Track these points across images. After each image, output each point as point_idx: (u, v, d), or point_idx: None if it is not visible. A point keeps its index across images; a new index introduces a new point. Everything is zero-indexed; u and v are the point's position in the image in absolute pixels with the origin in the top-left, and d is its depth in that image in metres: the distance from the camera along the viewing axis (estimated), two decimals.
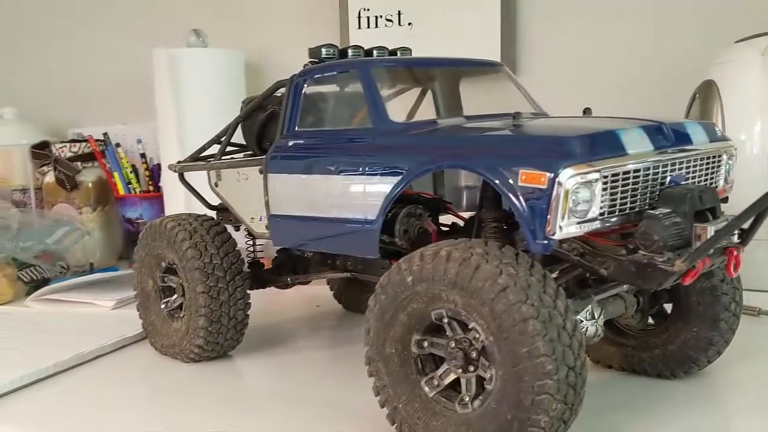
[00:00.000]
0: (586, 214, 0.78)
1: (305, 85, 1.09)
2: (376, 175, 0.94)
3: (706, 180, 0.94)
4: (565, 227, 0.78)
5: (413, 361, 0.86)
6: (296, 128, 1.09)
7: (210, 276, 1.17)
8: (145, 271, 1.29)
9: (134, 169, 2.13)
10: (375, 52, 1.15)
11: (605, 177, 0.79)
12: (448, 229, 1.13)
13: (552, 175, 0.76)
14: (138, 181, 2.13)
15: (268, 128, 1.22)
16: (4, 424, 1.01)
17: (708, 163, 0.94)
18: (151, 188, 2.13)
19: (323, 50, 1.14)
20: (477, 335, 0.79)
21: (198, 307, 1.17)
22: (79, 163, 2.18)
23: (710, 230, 0.81)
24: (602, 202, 0.79)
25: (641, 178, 0.83)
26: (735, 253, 0.88)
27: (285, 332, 1.42)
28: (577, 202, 0.77)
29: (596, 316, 0.90)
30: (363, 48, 1.16)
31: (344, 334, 1.42)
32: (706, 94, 1.55)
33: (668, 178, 0.86)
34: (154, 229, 1.25)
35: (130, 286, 1.62)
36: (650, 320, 1.09)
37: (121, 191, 2.13)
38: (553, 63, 1.88)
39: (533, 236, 0.79)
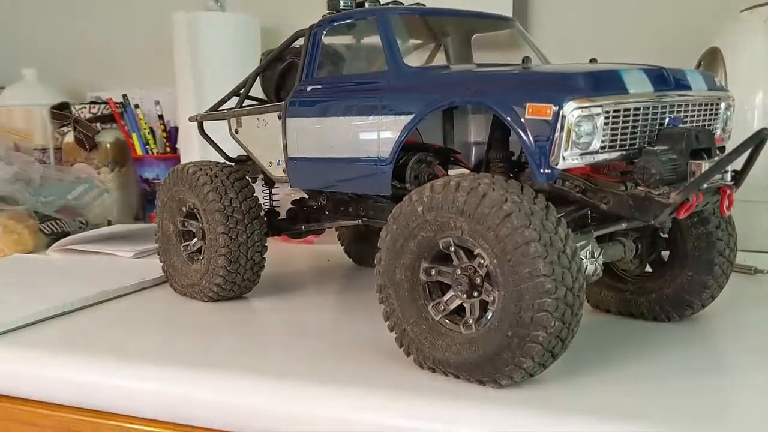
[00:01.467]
0: (588, 146, 0.84)
1: (324, 34, 1.14)
2: (390, 114, 0.99)
3: (703, 125, 0.98)
4: (569, 158, 0.83)
5: (421, 288, 0.91)
6: (314, 75, 1.14)
7: (230, 218, 1.23)
8: (166, 216, 1.35)
9: (152, 131, 2.19)
10: (390, 5, 1.20)
11: (607, 112, 0.84)
12: None
13: (556, 107, 0.81)
14: (155, 143, 2.19)
15: (287, 78, 1.27)
16: (33, 350, 1.08)
17: (706, 110, 0.98)
18: (168, 149, 2.19)
19: (341, 1, 1.19)
20: (482, 261, 0.84)
21: (218, 247, 1.23)
22: (98, 124, 2.25)
23: (704, 166, 0.86)
24: (603, 135, 0.84)
25: (641, 116, 0.88)
26: (728, 192, 0.93)
27: (297, 281, 1.47)
28: (580, 134, 0.82)
29: (596, 255, 0.95)
30: (379, 2, 1.21)
31: (354, 283, 1.48)
32: (710, 61, 1.60)
33: (667, 120, 0.91)
34: (176, 174, 1.30)
35: (148, 240, 1.70)
36: (648, 268, 1.14)
37: (139, 152, 2.19)
38: (562, 25, 1.95)
39: (538, 166, 0.84)
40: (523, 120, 0.84)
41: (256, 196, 1.28)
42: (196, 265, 1.31)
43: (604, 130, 0.84)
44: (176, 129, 2.17)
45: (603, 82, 0.85)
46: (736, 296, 1.21)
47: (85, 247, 1.75)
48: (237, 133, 1.29)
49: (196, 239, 1.32)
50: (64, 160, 2.29)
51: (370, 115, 1.02)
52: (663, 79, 0.92)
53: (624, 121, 0.86)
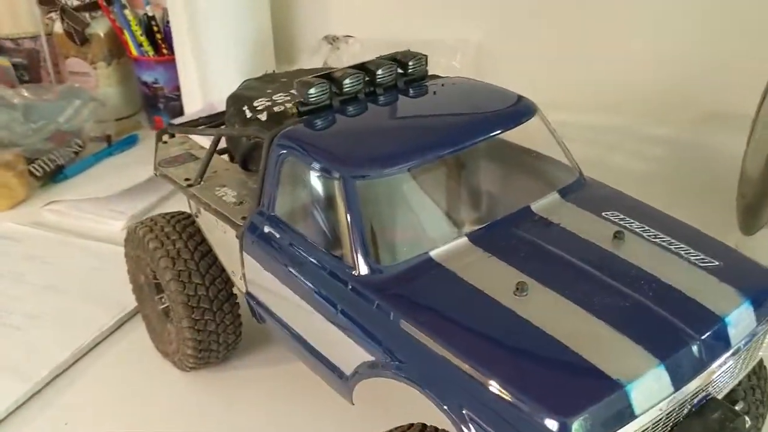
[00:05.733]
0: None
1: (285, 159, 0.90)
2: (349, 332, 0.81)
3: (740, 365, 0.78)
4: None
5: None
6: (274, 211, 0.92)
7: (187, 285, 1.08)
8: (134, 268, 1.21)
9: (147, 31, 1.93)
10: (348, 81, 0.94)
11: None
12: None
13: None
14: (151, 45, 1.94)
15: (254, 156, 1.05)
16: None
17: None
18: (165, 51, 1.94)
19: (313, 90, 0.93)
20: None
21: (180, 318, 1.10)
22: (87, 15, 1.99)
23: None
24: None
25: (649, 431, 0.70)
26: None
27: None
28: None
29: None
30: (330, 77, 0.94)
31: None
32: None
33: (685, 410, 0.72)
34: (131, 235, 1.15)
35: (147, 196, 1.63)
36: None
37: (134, 52, 1.95)
38: None
39: None
40: None
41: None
42: (170, 325, 1.20)
43: None
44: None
45: (602, 418, 0.65)
46: None
47: (77, 210, 1.64)
48: (197, 217, 1.10)
49: (165, 296, 1.19)
50: (57, 52, 2.07)
51: (331, 321, 0.83)
52: (691, 361, 0.71)
53: None
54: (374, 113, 0.95)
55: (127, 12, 1.89)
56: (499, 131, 0.91)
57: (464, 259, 0.82)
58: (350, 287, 0.81)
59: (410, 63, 1.00)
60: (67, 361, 1.20)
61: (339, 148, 0.87)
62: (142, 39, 1.92)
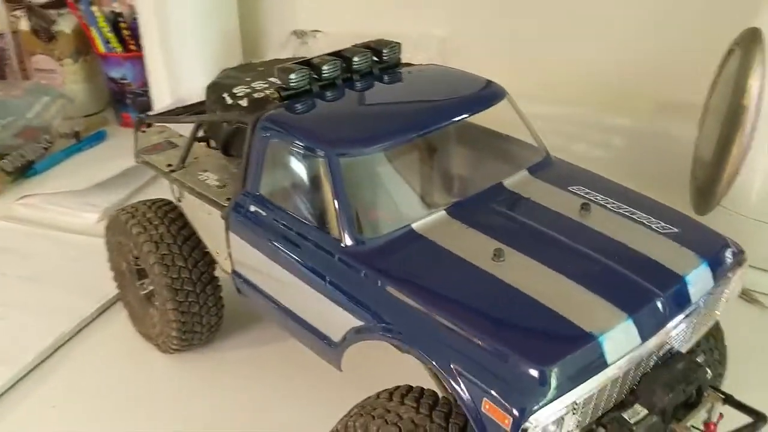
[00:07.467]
0: None
1: (269, 141, 0.94)
2: (337, 300, 0.85)
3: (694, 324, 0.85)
4: None
5: None
6: (259, 191, 0.96)
7: (170, 268, 1.11)
8: (116, 255, 1.24)
9: (114, 29, 1.94)
10: (326, 67, 0.98)
11: (577, 404, 0.71)
12: None
13: (516, 417, 0.69)
14: (119, 41, 1.95)
15: (235, 142, 1.08)
16: None
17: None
18: (132, 47, 1.96)
19: (294, 75, 0.97)
20: None
21: (165, 300, 1.13)
22: (54, 12, 2.00)
23: None
24: (571, 423, 0.73)
25: (620, 380, 0.76)
26: (713, 427, 0.83)
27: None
28: None
29: None
30: (309, 63, 0.99)
31: None
32: (747, 47, 1.33)
33: (652, 362, 0.79)
34: (114, 222, 1.18)
35: (119, 189, 1.65)
36: None
37: (101, 49, 1.96)
38: None
39: None
40: (478, 412, 0.72)
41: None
42: (152, 309, 1.23)
43: (572, 418, 0.72)
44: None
45: (579, 367, 0.71)
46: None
47: (50, 203, 1.65)
48: (180, 201, 1.13)
49: (148, 280, 1.22)
50: (23, 49, 2.07)
51: (319, 292, 0.87)
52: (655, 316, 0.77)
53: (598, 396, 0.74)
54: (352, 98, 1.00)
55: (93, 9, 1.90)
56: (469, 114, 0.97)
57: (444, 230, 0.87)
58: (337, 258, 0.86)
59: (384, 51, 1.05)
60: (51, 346, 1.22)
61: (322, 129, 0.92)
62: (110, 35, 1.93)
